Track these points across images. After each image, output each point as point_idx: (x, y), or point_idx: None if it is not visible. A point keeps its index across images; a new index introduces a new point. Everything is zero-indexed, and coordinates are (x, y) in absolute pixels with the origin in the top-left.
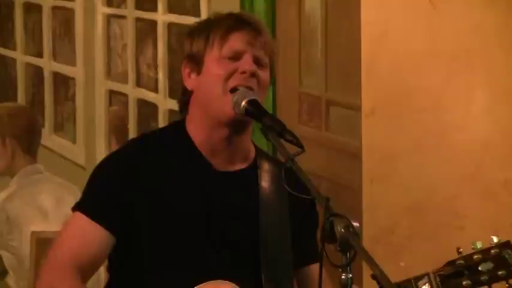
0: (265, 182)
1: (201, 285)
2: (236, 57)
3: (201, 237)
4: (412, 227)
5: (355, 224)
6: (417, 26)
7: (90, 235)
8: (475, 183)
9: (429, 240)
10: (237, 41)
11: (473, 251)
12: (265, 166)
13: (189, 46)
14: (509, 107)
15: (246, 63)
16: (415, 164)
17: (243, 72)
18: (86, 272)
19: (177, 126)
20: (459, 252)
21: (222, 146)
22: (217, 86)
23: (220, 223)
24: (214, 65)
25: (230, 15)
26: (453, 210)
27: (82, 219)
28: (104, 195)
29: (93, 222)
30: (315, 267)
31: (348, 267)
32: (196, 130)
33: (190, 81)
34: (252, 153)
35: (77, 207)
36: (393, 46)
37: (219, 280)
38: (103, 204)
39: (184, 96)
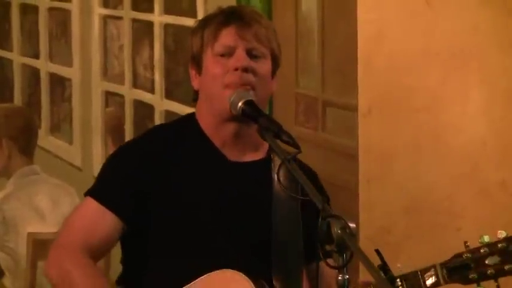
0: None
1: (209, 273)
2: (229, 52)
3: (213, 226)
4: (408, 227)
5: (352, 224)
6: (413, 26)
7: (99, 220)
8: (471, 183)
9: (426, 240)
10: (226, 37)
11: (480, 244)
12: (278, 160)
13: (191, 47)
14: (505, 106)
15: (238, 59)
16: (412, 164)
17: (236, 69)
18: (93, 254)
19: (189, 119)
20: (466, 246)
21: (231, 139)
22: (215, 85)
23: (233, 213)
24: (210, 64)
25: (222, 12)
26: (450, 210)
27: (92, 204)
28: (115, 182)
29: (103, 208)
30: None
31: (345, 268)
32: (207, 124)
33: (196, 81)
34: (265, 145)
35: (89, 193)
36: (389, 46)
37: (227, 269)
38: (114, 191)
39: (196, 94)
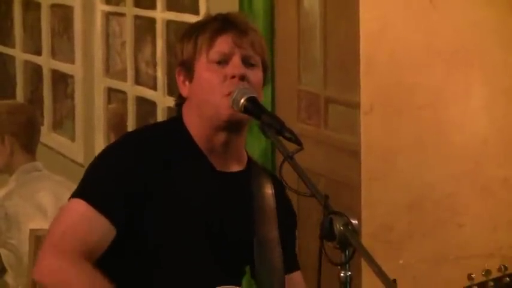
0: (259, 187)
1: None
2: (224, 60)
3: (202, 237)
4: (411, 224)
5: (354, 221)
6: (416, 23)
7: (95, 226)
8: (473, 181)
9: (428, 237)
10: (222, 44)
11: (484, 278)
12: (259, 172)
13: (180, 53)
14: (508, 104)
15: (235, 67)
16: (414, 161)
17: (233, 77)
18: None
19: (176, 124)
20: (471, 278)
21: (220, 148)
22: (209, 92)
23: (221, 223)
24: (204, 71)
25: (216, 18)
26: (452, 208)
27: (86, 208)
28: (110, 187)
29: (98, 214)
30: (295, 276)
31: (347, 265)
32: (197, 132)
33: (185, 88)
34: (245, 156)
35: (81, 195)
36: (392, 43)
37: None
38: (109, 197)
39: (180, 100)
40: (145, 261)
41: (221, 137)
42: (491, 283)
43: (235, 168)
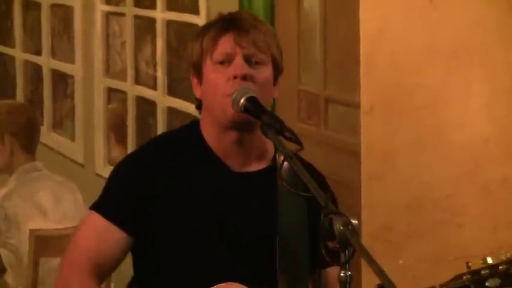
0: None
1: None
2: (227, 60)
3: (217, 239)
4: (410, 224)
5: (354, 221)
6: (416, 23)
7: (108, 237)
8: (473, 181)
9: (428, 237)
10: (225, 44)
11: (482, 265)
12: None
13: (191, 54)
14: (508, 104)
15: (237, 67)
16: (414, 161)
17: (235, 77)
18: (103, 272)
19: (193, 128)
20: (468, 267)
21: (234, 148)
22: (216, 93)
23: (237, 225)
24: (210, 72)
25: (221, 19)
26: (452, 208)
27: (99, 219)
28: (122, 196)
29: (111, 224)
30: (332, 270)
31: (347, 265)
32: (209, 134)
33: (198, 90)
34: (270, 152)
35: (95, 207)
36: (392, 43)
37: (230, 282)
38: (121, 206)
39: (199, 101)
40: (159, 266)
41: (231, 136)
42: (486, 270)
43: (256, 166)
